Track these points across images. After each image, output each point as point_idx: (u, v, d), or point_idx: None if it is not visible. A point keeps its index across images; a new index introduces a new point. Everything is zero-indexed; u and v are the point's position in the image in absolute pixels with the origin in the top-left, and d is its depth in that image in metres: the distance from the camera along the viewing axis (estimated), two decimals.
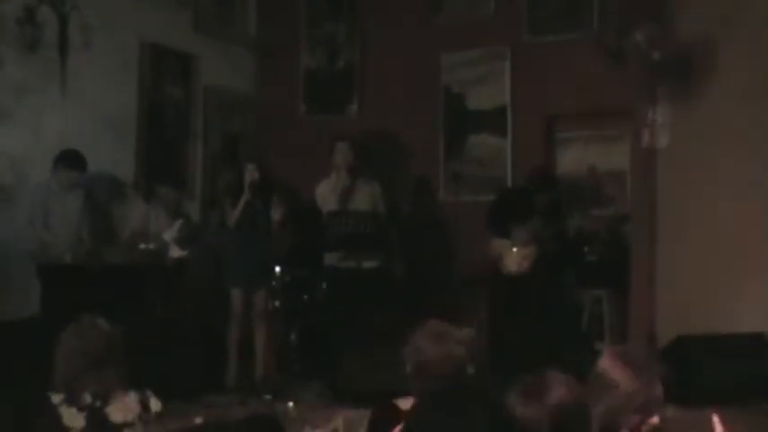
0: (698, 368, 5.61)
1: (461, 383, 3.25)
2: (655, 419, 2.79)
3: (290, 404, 6.17)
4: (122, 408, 3.25)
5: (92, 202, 7.21)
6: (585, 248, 7.62)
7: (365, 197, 7.47)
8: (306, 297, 7.87)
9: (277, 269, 7.53)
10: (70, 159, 6.83)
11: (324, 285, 7.59)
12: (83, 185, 7.04)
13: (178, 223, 7.56)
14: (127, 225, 7.67)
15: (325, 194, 7.44)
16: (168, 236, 7.46)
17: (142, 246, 7.39)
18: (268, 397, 6.74)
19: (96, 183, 7.35)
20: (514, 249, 7.30)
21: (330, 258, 7.41)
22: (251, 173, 7.22)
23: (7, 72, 7.00)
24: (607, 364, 2.83)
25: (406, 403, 3.31)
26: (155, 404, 3.34)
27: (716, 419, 2.80)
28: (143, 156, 8.13)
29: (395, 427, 3.10)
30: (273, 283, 7.43)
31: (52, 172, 6.85)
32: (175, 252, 7.47)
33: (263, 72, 9.39)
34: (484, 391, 3.19)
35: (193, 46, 8.63)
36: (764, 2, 6.80)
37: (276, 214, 7.25)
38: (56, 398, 3.19)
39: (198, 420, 4.81)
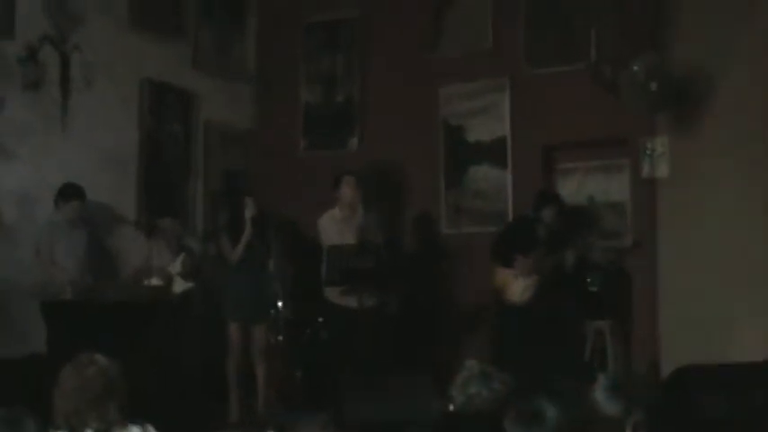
0: (701, 398, 5.58)
1: None
2: None
3: None
4: None
5: (94, 237, 7.22)
6: (587, 279, 7.62)
7: (367, 231, 7.45)
8: (308, 331, 7.87)
9: (279, 304, 7.52)
10: (71, 191, 6.86)
11: (322, 321, 7.59)
12: (86, 220, 7.05)
13: (181, 256, 7.57)
14: (128, 261, 7.69)
15: (328, 227, 7.40)
16: (173, 270, 7.48)
17: (146, 281, 7.40)
18: (271, 431, 6.71)
19: (97, 217, 7.37)
20: (518, 279, 7.31)
21: (329, 294, 7.36)
22: (251, 207, 7.23)
23: (10, 111, 7.05)
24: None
25: None
26: None
27: None
28: (144, 192, 8.15)
29: None
30: (272, 316, 7.42)
31: (56, 207, 6.87)
32: (179, 286, 7.48)
33: (263, 107, 9.43)
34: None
35: (193, 82, 8.68)
36: (761, 30, 6.84)
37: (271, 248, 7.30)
38: None
39: None
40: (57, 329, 6.44)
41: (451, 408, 3.52)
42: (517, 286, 7.31)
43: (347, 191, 7.32)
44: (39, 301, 6.66)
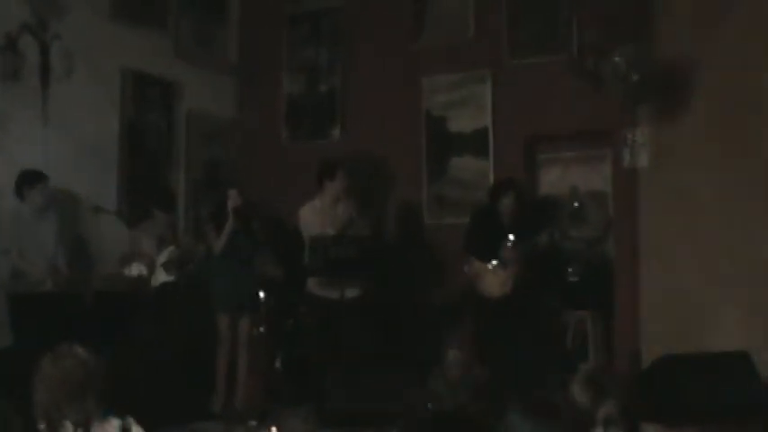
0: (682, 387, 5.61)
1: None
2: None
3: (274, 429, 6.13)
4: None
5: (66, 226, 7.10)
6: (569, 269, 7.63)
7: (352, 224, 7.43)
8: (291, 322, 7.86)
9: (261, 294, 7.51)
10: (31, 176, 6.70)
11: (304, 311, 7.57)
12: (54, 209, 6.93)
13: (169, 248, 7.51)
14: (109, 251, 7.63)
15: (309, 218, 7.38)
16: (160, 259, 7.44)
17: (126, 272, 7.36)
18: (253, 423, 6.71)
19: (67, 205, 7.28)
20: (495, 271, 7.28)
21: (311, 285, 7.34)
22: (234, 199, 7.23)
23: None
24: None
25: None
26: (136, 431, 3.33)
27: None
28: (125, 183, 8.11)
29: None
30: (258, 308, 7.42)
31: (21, 197, 6.70)
32: (161, 278, 7.44)
33: (245, 98, 9.41)
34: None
35: (175, 72, 8.65)
36: (742, 22, 6.86)
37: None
38: (40, 424, 3.18)
39: None
40: (24, 322, 6.33)
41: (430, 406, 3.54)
42: (495, 279, 7.28)
43: (339, 185, 7.31)
44: (7, 294, 6.56)
